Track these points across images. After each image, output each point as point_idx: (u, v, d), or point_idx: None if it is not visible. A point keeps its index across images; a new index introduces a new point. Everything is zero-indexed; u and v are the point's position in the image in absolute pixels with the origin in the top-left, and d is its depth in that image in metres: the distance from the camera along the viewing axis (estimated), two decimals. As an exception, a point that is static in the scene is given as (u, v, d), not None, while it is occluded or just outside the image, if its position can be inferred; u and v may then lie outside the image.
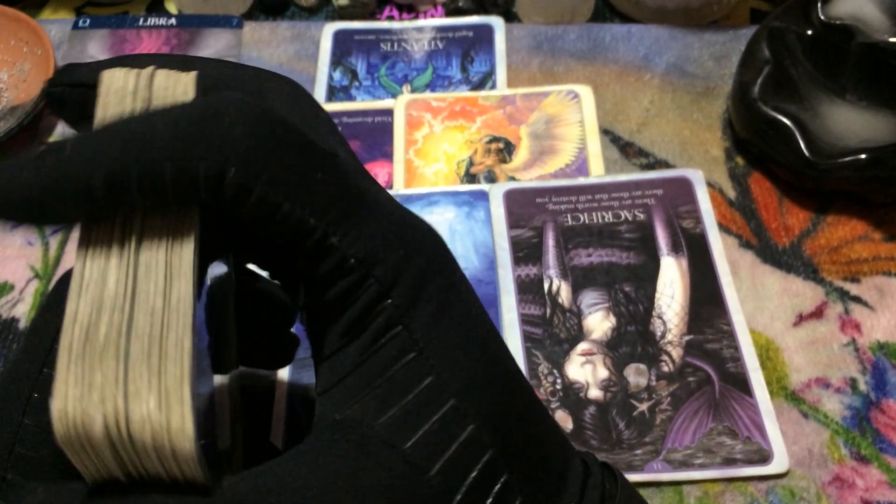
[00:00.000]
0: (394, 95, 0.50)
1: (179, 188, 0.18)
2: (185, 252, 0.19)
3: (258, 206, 0.18)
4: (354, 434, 0.19)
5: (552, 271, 0.41)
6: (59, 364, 0.17)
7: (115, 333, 0.17)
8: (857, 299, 0.40)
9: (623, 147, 0.46)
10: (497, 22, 0.53)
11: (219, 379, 0.23)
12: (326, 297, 0.20)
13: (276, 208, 0.18)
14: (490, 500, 0.19)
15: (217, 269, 0.23)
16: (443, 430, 0.19)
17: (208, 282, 0.22)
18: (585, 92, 0.48)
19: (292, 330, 0.33)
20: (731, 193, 0.44)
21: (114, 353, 0.17)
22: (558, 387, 0.37)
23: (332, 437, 0.19)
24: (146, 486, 0.18)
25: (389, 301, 0.20)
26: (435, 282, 0.20)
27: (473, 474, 0.19)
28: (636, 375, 0.37)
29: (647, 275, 0.40)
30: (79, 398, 0.17)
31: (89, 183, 0.17)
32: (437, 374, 0.19)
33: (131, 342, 0.17)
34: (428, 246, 0.21)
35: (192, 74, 0.21)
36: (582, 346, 0.38)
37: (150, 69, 0.20)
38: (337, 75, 0.51)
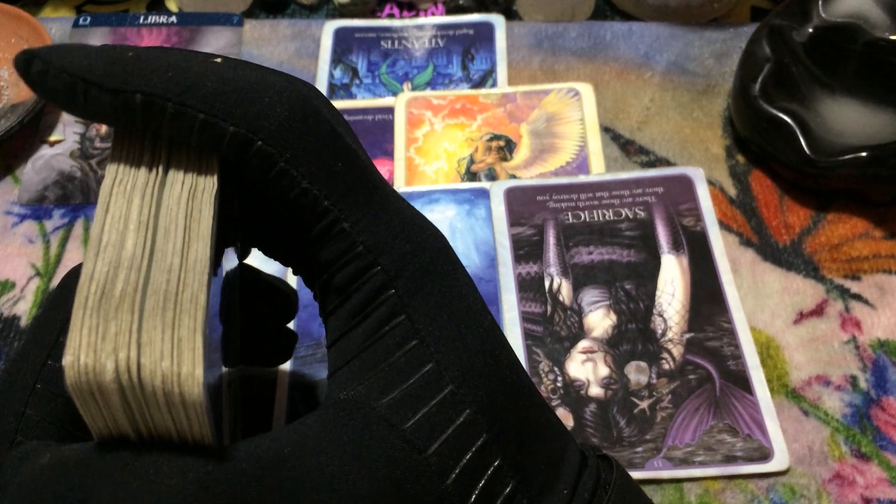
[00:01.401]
0: (394, 93, 0.50)
1: (205, 138, 0.20)
2: (205, 217, 0.19)
3: (278, 179, 0.20)
4: (358, 412, 0.20)
5: (553, 269, 0.41)
6: (73, 317, 0.17)
7: (131, 290, 0.18)
8: (858, 297, 0.40)
9: (624, 145, 0.46)
10: (498, 20, 0.53)
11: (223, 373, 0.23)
12: (334, 280, 0.21)
13: (295, 185, 0.20)
14: (483, 482, 0.20)
15: (229, 262, 0.24)
16: (440, 413, 0.20)
17: (223, 272, 0.22)
18: (586, 90, 0.48)
19: (291, 327, 0.33)
20: (732, 191, 0.44)
21: (129, 307, 0.18)
22: (559, 384, 0.37)
23: (338, 413, 0.20)
24: (155, 446, 0.18)
25: (393, 291, 0.21)
26: (438, 276, 0.22)
27: (468, 456, 0.20)
28: (637, 373, 0.37)
29: (648, 272, 0.40)
30: (92, 346, 0.17)
31: (130, 98, 0.19)
32: (437, 362, 0.20)
33: (147, 297, 0.18)
34: (433, 243, 0.22)
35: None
36: (583, 344, 0.38)
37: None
38: (338, 73, 0.51)
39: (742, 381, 0.36)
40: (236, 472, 0.18)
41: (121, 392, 0.17)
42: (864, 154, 0.40)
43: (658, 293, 0.39)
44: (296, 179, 0.20)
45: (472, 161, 0.46)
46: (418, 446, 0.20)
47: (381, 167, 0.46)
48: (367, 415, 0.20)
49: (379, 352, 0.21)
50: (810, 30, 0.43)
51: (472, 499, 0.20)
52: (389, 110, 0.49)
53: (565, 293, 0.40)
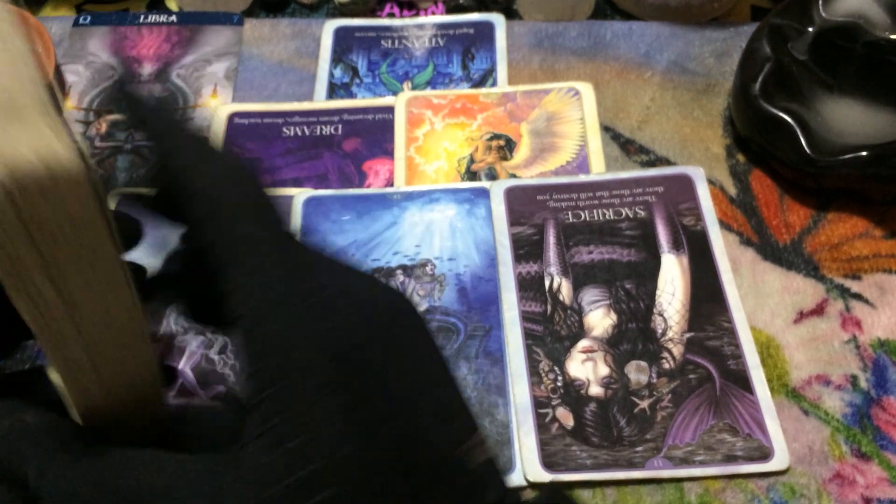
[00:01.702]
0: (395, 93, 0.50)
1: None
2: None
3: None
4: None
5: (553, 268, 0.41)
6: None
7: None
8: (858, 296, 0.40)
9: (624, 144, 0.46)
10: (498, 19, 0.53)
11: None
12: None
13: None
14: None
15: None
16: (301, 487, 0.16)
17: None
18: (586, 89, 0.48)
19: None
20: (732, 191, 0.44)
21: None
22: (559, 384, 0.37)
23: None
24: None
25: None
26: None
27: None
28: (637, 372, 0.37)
29: (648, 272, 0.40)
30: None
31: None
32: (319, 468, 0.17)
33: None
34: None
35: None
36: (583, 344, 0.38)
37: None
38: (338, 72, 0.51)
39: (742, 381, 0.36)
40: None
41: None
42: (864, 153, 0.40)
43: (658, 292, 0.39)
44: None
45: (472, 160, 0.46)
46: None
47: (382, 167, 0.46)
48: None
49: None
50: (810, 29, 0.43)
51: None
52: (390, 110, 0.49)
53: (565, 292, 0.40)
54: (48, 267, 0.17)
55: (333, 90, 0.50)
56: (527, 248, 0.41)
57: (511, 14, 0.54)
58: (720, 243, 0.41)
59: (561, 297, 0.40)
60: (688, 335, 0.38)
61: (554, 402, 0.36)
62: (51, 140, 0.16)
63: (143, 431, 0.21)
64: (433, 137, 0.47)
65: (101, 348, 0.18)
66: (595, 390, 0.37)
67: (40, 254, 0.17)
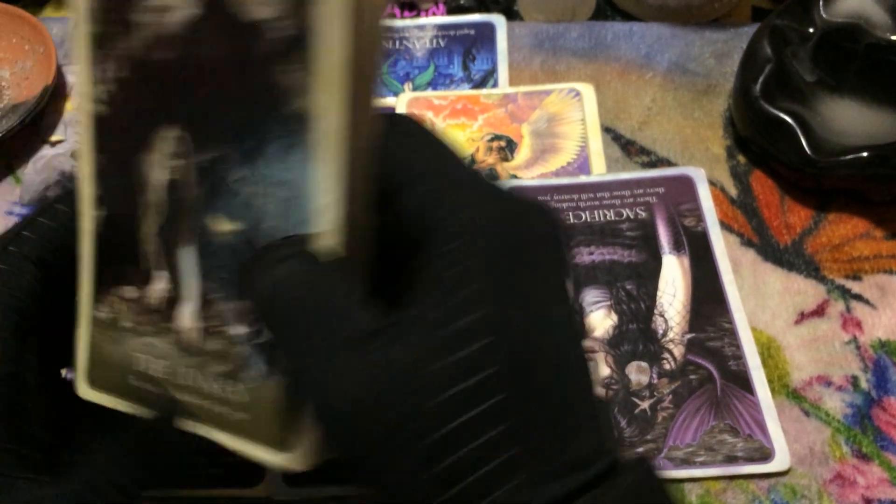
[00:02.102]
0: (395, 93, 0.50)
1: None
2: None
3: None
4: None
5: (554, 269, 0.41)
6: None
7: None
8: (859, 297, 0.40)
9: (625, 145, 0.46)
10: (499, 20, 0.53)
11: None
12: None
13: None
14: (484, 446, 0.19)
15: None
16: (469, 361, 0.20)
17: None
18: (587, 90, 0.48)
19: None
20: (733, 191, 0.44)
21: None
22: (560, 385, 0.37)
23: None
24: None
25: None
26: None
27: (478, 409, 0.19)
28: (638, 373, 0.37)
29: (649, 273, 0.40)
30: None
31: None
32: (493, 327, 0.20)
33: None
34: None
35: None
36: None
37: None
38: (338, 73, 0.51)
39: (743, 382, 0.36)
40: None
41: None
42: (865, 154, 0.40)
43: (659, 293, 0.39)
44: None
45: (473, 161, 0.46)
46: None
47: (382, 167, 0.46)
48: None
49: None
50: (811, 30, 0.43)
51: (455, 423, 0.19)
52: (390, 110, 0.49)
53: (566, 293, 0.40)
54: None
55: (334, 91, 0.50)
56: (528, 249, 0.41)
57: (512, 15, 0.54)
58: (721, 244, 0.41)
59: (562, 298, 0.40)
60: (688, 336, 0.38)
61: (555, 403, 0.36)
62: None
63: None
64: (434, 138, 0.47)
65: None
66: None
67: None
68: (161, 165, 0.25)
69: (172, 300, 0.25)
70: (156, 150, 0.25)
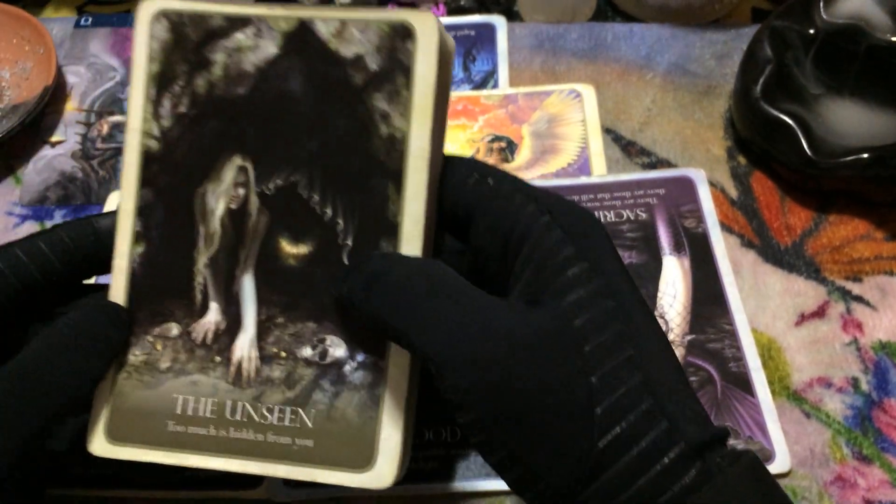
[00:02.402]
0: (396, 94, 0.50)
1: None
2: None
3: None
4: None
5: (554, 270, 0.41)
6: None
7: None
8: (859, 299, 0.40)
9: (625, 146, 0.46)
10: (499, 21, 0.53)
11: None
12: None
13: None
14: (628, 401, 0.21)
15: None
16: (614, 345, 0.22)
17: None
18: (587, 91, 0.48)
19: None
20: (733, 193, 0.44)
21: None
22: (560, 386, 0.37)
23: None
24: None
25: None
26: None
27: (617, 360, 0.22)
28: (638, 375, 0.37)
29: (650, 274, 0.40)
30: None
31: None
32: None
33: None
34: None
35: None
36: (584, 346, 0.38)
37: None
38: (339, 74, 0.51)
39: (743, 383, 0.36)
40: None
41: None
42: (865, 155, 0.40)
43: (659, 295, 0.39)
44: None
45: (473, 162, 0.46)
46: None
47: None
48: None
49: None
50: (812, 31, 0.43)
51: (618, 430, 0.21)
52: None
53: (567, 295, 0.40)
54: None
55: (334, 92, 0.50)
56: (528, 250, 0.41)
57: (512, 16, 0.54)
58: (721, 245, 0.41)
59: (562, 299, 0.40)
60: (689, 337, 0.38)
61: (555, 405, 0.36)
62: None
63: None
64: (434, 139, 0.47)
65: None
66: (596, 392, 0.37)
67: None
68: (223, 195, 0.25)
69: (224, 331, 0.25)
70: (217, 181, 0.25)
